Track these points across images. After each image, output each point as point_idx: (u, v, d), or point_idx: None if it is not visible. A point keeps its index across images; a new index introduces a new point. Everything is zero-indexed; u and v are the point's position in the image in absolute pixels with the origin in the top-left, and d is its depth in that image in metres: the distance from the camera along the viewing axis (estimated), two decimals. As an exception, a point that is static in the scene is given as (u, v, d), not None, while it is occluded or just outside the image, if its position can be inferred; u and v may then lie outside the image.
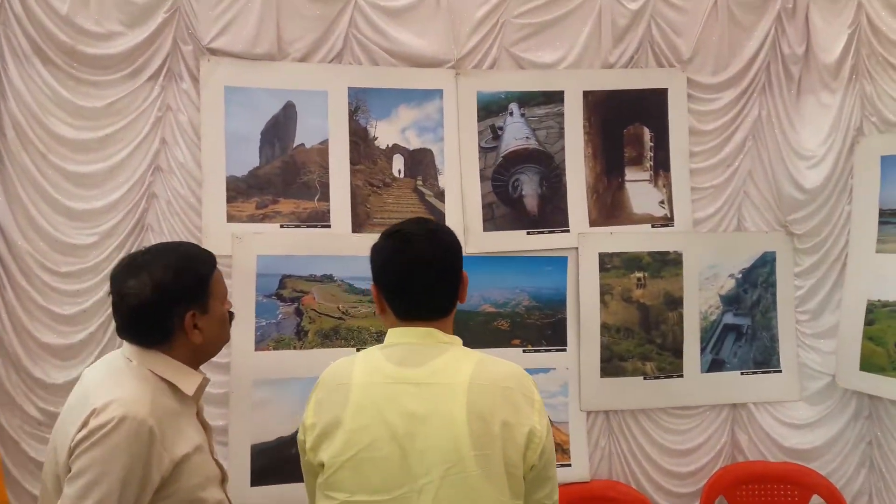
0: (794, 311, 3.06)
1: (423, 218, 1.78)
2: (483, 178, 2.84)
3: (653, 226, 2.97)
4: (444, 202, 2.81)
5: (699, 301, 3.00)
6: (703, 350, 3.00)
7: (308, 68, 2.69)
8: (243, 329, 2.59)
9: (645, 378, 2.95)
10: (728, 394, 3.03)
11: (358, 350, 2.68)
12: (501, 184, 2.86)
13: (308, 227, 2.69)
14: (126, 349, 1.67)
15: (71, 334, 2.56)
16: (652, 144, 2.99)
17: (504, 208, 2.86)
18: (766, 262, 3.06)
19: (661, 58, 2.96)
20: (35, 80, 2.47)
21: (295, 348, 2.66)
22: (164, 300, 1.63)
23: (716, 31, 2.98)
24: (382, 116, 2.77)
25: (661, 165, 2.98)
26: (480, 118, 2.84)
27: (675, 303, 2.97)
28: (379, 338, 2.73)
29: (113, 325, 2.52)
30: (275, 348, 2.64)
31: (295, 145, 2.70)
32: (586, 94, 2.92)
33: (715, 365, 3.01)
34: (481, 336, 2.81)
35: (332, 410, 1.58)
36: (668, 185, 2.98)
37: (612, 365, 2.92)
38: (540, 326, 2.89)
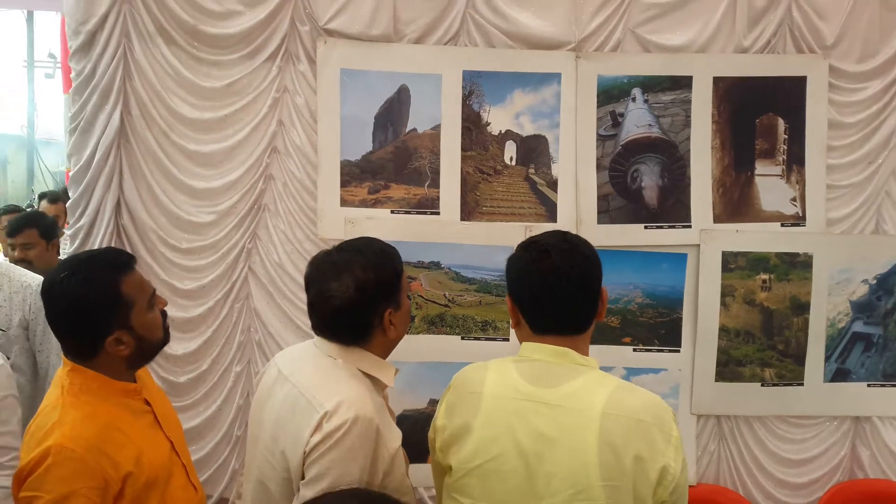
0: (932, 322, 2.83)
1: (560, 230, 1.70)
2: (600, 167, 2.72)
3: (782, 224, 2.78)
4: (556, 192, 2.71)
5: (827, 307, 2.80)
6: (827, 358, 2.80)
7: (423, 50, 2.63)
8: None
9: (763, 385, 2.79)
10: (851, 405, 2.83)
11: (462, 339, 2.68)
12: (619, 174, 2.73)
13: (418, 213, 2.65)
14: (326, 347, 1.65)
15: (191, 308, 2.63)
16: (786, 137, 2.77)
17: (621, 200, 2.73)
18: (905, 268, 2.82)
19: (802, 43, 2.73)
20: (158, 60, 2.52)
21: (401, 334, 2.65)
22: (367, 300, 1.62)
23: (865, 14, 2.72)
24: (496, 101, 2.68)
25: (796, 160, 2.77)
26: (600, 104, 2.71)
27: (802, 308, 2.78)
28: (484, 327, 2.70)
29: (233, 297, 2.63)
30: (381, 333, 2.64)
31: (407, 130, 2.66)
32: (717, 80, 2.73)
33: (839, 375, 2.82)
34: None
35: (462, 416, 1.57)
36: (801, 182, 2.77)
37: (728, 369, 2.77)
38: (653, 325, 2.77)
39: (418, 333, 2.66)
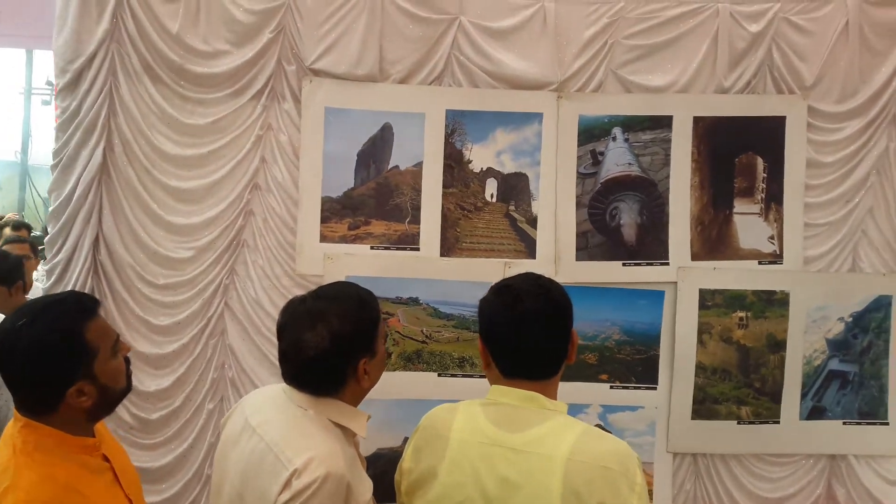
0: (908, 360, 2.85)
1: (533, 274, 1.71)
2: (579, 205, 2.74)
3: (760, 262, 2.80)
4: (535, 228, 2.73)
5: (804, 345, 2.82)
6: (803, 396, 2.83)
7: (408, 90, 2.65)
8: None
9: (739, 422, 2.81)
10: (827, 444, 2.85)
11: (439, 375, 2.70)
12: (599, 211, 2.75)
13: (397, 249, 2.67)
14: (296, 396, 1.62)
15: (165, 344, 2.64)
16: (765, 176, 2.80)
17: (600, 237, 2.75)
18: (880, 307, 2.84)
19: (781, 83, 2.75)
20: (144, 98, 2.54)
21: (379, 370, 2.66)
22: (342, 351, 1.61)
23: (845, 55, 2.75)
24: (479, 140, 2.71)
25: (774, 198, 2.79)
26: (581, 143, 2.73)
27: (778, 345, 2.80)
28: (461, 364, 2.71)
29: (208, 332, 2.63)
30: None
31: (389, 167, 2.67)
32: (697, 119, 2.75)
33: (815, 412, 2.84)
34: (567, 369, 2.70)
35: (428, 459, 1.58)
36: (779, 220, 2.80)
37: (704, 407, 2.79)
38: (630, 362, 2.79)
39: (395, 370, 2.68)
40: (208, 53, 2.53)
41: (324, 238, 2.63)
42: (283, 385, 1.67)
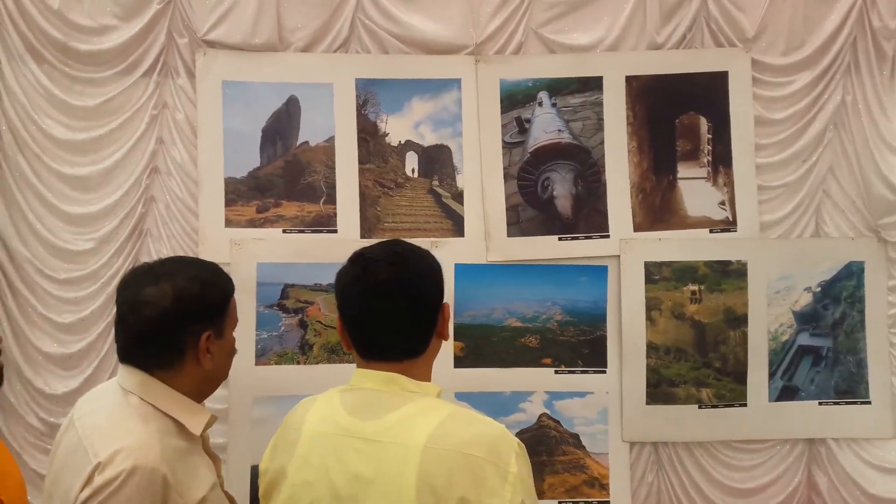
0: (887, 331, 2.57)
1: (397, 240, 1.51)
2: (508, 177, 2.53)
3: (711, 231, 2.57)
4: (462, 204, 2.53)
5: (768, 319, 2.56)
6: (772, 375, 2.55)
7: (311, 59, 2.48)
8: (243, 342, 2.36)
9: (700, 406, 2.54)
10: (803, 427, 2.57)
11: (365, 367, 2.46)
12: (529, 183, 2.54)
13: (313, 231, 2.48)
14: (124, 379, 1.44)
15: (71, 343, 2.47)
16: (710, 136, 2.58)
17: (532, 211, 2.54)
18: (851, 274, 2.58)
19: (720, 36, 2.55)
20: (29, 80, 2.40)
21: (299, 363, 2.45)
22: (185, 313, 1.43)
23: (787, 4, 2.55)
24: (394, 110, 2.52)
25: (721, 160, 2.57)
26: (504, 110, 2.54)
27: (738, 320, 2.55)
28: (389, 354, 2.49)
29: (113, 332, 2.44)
30: (277, 363, 2.44)
31: (298, 143, 2.50)
32: (630, 79, 2.55)
33: (786, 393, 2.56)
34: (506, 354, 2.50)
35: (280, 458, 1.37)
36: (729, 184, 2.57)
37: (660, 391, 2.53)
38: (575, 344, 2.55)
39: (318, 363, 2.46)
40: (94, 29, 2.39)
41: (229, 223, 2.44)
42: (119, 371, 1.48)
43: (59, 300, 2.45)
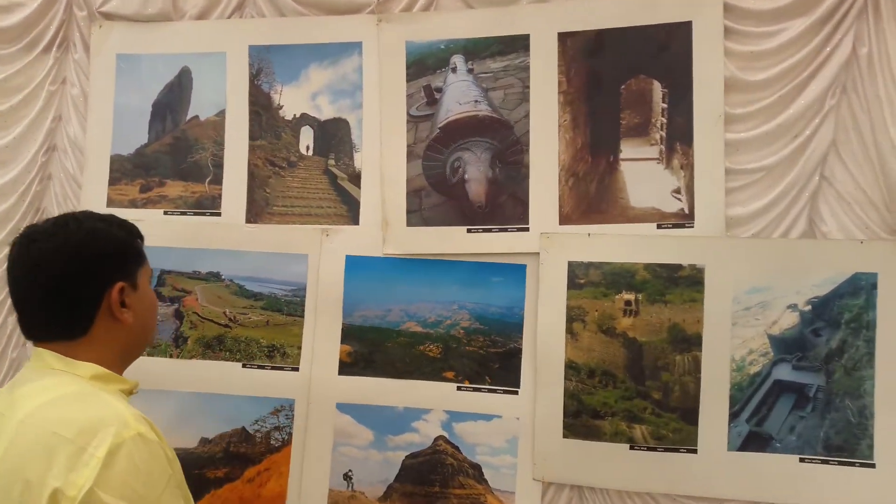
0: (906, 370, 1.88)
1: (67, 214, 1.34)
2: (412, 156, 2.16)
3: (659, 226, 2.02)
4: (359, 187, 2.20)
5: (732, 343, 1.97)
6: (734, 416, 1.97)
7: (204, 27, 2.28)
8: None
9: (633, 447, 2.01)
10: (776, 488, 1.95)
11: (244, 366, 2.26)
12: (436, 163, 2.15)
13: (195, 214, 2.27)
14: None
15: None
16: (665, 106, 2.03)
17: (437, 196, 2.15)
18: (858, 290, 1.92)
19: (682, -23, 1.99)
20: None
21: (172, 357, 2.27)
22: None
23: (777, -73, 1.94)
24: (289, 80, 2.25)
25: (679, 137, 2.01)
26: (411, 77, 2.16)
27: (688, 342, 1.99)
28: (271, 354, 2.23)
29: (7, 308, 2.40)
30: (148, 355, 2.23)
31: (188, 118, 2.30)
32: (563, 37, 2.07)
33: (754, 441, 1.96)
34: (401, 363, 2.14)
35: None
36: (688, 167, 2.01)
37: (580, 422, 2.04)
38: (484, 357, 2.13)
39: (192, 358, 2.26)
40: (2, 7, 2.35)
41: (111, 202, 2.31)
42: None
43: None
